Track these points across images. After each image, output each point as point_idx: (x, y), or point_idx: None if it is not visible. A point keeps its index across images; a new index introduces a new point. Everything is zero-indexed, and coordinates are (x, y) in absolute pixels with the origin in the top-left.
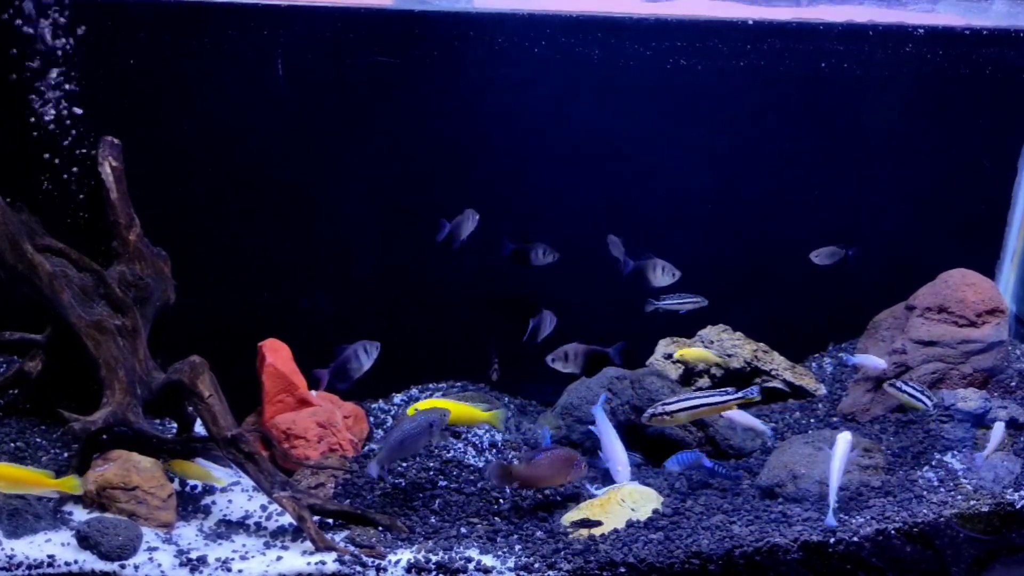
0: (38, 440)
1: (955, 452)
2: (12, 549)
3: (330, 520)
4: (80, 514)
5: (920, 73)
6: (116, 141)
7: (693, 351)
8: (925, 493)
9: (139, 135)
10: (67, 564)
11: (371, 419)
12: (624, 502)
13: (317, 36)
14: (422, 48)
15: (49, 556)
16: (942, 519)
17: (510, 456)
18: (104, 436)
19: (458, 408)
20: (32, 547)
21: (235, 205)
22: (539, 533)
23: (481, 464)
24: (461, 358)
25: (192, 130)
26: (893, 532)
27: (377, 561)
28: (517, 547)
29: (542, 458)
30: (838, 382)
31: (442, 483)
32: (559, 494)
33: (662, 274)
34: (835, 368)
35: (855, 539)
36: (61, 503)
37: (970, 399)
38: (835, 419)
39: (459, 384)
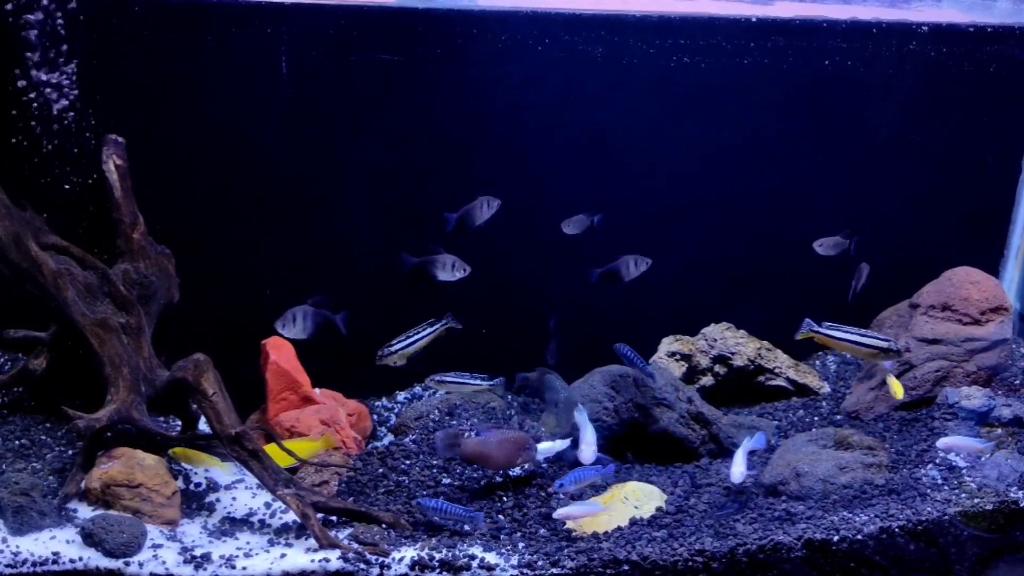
0: (43, 438)
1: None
2: (17, 546)
3: (334, 517)
4: (85, 511)
5: (924, 71)
6: (120, 139)
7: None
8: (929, 491)
9: (143, 133)
10: (71, 561)
11: (374, 417)
12: (627, 500)
13: (320, 34)
14: (425, 46)
15: (54, 553)
16: (946, 517)
17: (465, 429)
18: (108, 434)
19: (298, 447)
20: (37, 544)
21: (239, 203)
22: (542, 531)
23: None
24: (464, 356)
25: (195, 128)
26: (897, 530)
27: (381, 558)
28: (520, 544)
29: (492, 436)
30: (841, 380)
31: (445, 481)
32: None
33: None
34: (838, 366)
35: (859, 537)
36: (65, 500)
37: (974, 397)
38: (838, 417)
39: None
